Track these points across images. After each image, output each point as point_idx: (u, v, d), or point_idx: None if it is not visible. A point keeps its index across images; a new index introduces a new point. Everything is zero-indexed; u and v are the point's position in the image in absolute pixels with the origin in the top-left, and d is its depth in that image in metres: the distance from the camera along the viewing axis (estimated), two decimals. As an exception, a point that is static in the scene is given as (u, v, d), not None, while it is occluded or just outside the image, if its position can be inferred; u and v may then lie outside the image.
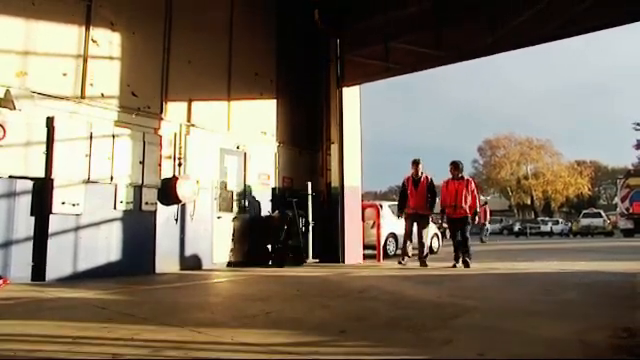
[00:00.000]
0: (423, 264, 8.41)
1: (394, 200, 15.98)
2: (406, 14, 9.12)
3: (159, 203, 7.46)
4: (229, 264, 8.57)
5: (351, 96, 10.18)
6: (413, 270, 7.13)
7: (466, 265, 7.89)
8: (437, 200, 9.21)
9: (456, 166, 8.43)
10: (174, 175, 7.78)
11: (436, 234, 13.57)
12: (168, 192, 7.54)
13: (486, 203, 27.17)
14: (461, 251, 8.12)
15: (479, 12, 8.20)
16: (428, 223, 9.02)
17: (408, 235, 8.74)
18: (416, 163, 8.73)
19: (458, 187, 8.25)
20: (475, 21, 8.27)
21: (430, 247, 13.32)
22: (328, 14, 9.95)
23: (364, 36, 9.73)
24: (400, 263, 8.39)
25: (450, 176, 8.48)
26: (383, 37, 9.26)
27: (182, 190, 7.65)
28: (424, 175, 8.68)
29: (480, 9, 8.17)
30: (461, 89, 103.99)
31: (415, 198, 8.57)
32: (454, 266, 8.03)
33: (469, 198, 8.24)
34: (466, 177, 8.50)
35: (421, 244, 8.68)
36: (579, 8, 7.09)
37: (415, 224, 8.68)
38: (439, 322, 3.39)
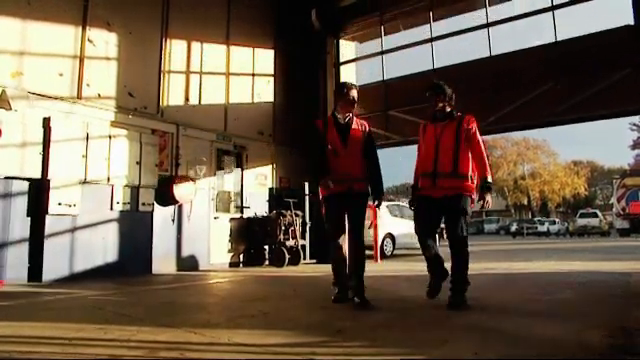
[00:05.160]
0: (362, 304, 4.00)
1: (391, 200, 15.96)
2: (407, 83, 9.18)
3: (156, 204, 7.45)
4: (226, 265, 8.57)
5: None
6: (411, 271, 7.13)
7: (455, 303, 3.86)
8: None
9: (438, 91, 4.18)
10: (171, 175, 7.78)
11: None
12: (165, 193, 7.54)
13: None
14: (451, 278, 4.00)
15: (478, 93, 8.14)
16: (365, 210, 4.49)
17: (337, 240, 4.26)
18: (348, 89, 4.34)
19: (442, 134, 4.07)
20: (473, 102, 8.22)
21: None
22: (326, 15, 9.97)
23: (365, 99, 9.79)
24: (338, 301, 4.18)
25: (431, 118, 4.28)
26: (384, 105, 9.25)
27: (179, 191, 7.65)
28: (355, 119, 4.41)
29: (477, 92, 8.13)
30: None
31: (345, 160, 4.22)
32: (431, 295, 4.08)
33: (466, 156, 4.03)
34: (459, 114, 4.18)
35: (357, 258, 4.26)
36: (571, 102, 7.22)
37: (346, 214, 4.27)
38: (436, 322, 3.40)
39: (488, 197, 4.08)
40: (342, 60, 10.20)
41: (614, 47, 6.95)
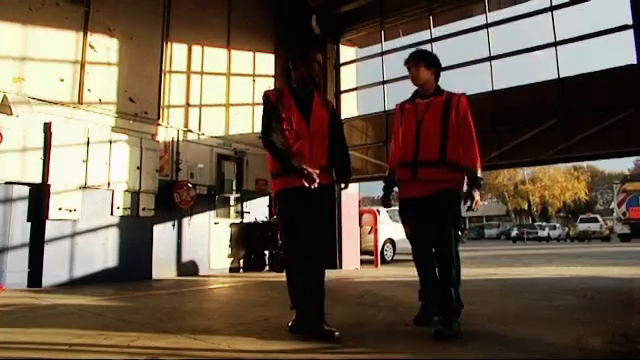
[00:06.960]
0: (326, 336, 2.92)
1: (392, 205, 15.93)
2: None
3: (156, 209, 7.45)
4: (227, 270, 8.56)
5: (350, 102, 10.21)
6: (411, 276, 7.10)
7: (444, 332, 2.94)
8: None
9: (422, 58, 3.39)
10: (171, 181, 7.78)
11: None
12: (165, 198, 7.54)
13: None
14: (441, 295, 3.18)
15: (480, 128, 7.90)
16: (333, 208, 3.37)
17: (304, 254, 3.12)
18: (312, 52, 3.31)
19: (425, 114, 3.29)
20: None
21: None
22: (325, 21, 10.00)
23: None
24: (293, 329, 3.18)
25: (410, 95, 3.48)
26: (385, 136, 9.00)
27: (179, 196, 7.65)
28: (315, 92, 3.36)
29: (478, 127, 7.88)
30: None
31: (308, 144, 3.16)
32: (421, 321, 3.37)
33: (456, 141, 3.22)
34: (448, 91, 3.36)
35: (312, 276, 3.13)
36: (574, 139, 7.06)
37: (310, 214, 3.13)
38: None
39: (477, 195, 3.14)
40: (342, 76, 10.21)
41: (617, 86, 6.79)
